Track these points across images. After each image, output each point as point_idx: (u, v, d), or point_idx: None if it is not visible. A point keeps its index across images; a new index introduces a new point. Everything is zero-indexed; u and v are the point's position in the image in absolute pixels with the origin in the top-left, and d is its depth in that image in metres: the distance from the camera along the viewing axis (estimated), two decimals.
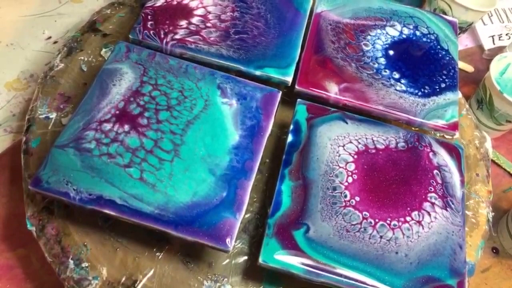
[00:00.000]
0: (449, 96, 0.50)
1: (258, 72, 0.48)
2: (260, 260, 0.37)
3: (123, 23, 0.57)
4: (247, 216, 0.44)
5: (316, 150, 0.44)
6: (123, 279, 0.40)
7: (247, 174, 0.40)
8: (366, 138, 0.45)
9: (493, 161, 0.61)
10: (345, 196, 0.41)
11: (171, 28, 0.50)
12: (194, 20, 0.51)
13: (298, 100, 0.47)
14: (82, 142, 0.40)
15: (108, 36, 0.55)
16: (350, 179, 0.42)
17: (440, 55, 0.54)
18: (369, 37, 0.54)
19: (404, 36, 0.55)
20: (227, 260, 0.42)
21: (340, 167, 0.43)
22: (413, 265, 0.39)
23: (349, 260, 0.38)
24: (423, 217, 0.41)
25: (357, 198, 0.41)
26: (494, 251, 0.54)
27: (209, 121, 0.43)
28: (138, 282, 0.40)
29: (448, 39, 0.56)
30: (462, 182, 0.44)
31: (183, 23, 0.51)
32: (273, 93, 0.46)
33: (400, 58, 0.53)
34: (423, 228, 0.41)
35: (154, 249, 0.42)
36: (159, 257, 0.41)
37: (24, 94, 0.57)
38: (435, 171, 0.44)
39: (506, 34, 0.74)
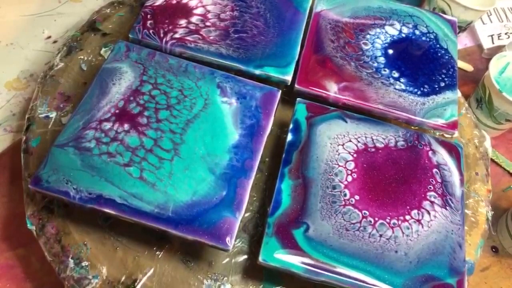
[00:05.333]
0: (449, 95, 0.50)
1: (257, 71, 0.48)
2: (260, 259, 0.38)
3: (122, 22, 0.57)
4: (247, 215, 0.44)
5: (315, 149, 0.44)
6: (123, 278, 0.40)
7: (247, 173, 0.41)
8: (366, 137, 0.45)
9: (492, 160, 0.61)
10: (345, 195, 0.41)
11: (170, 27, 0.50)
12: (194, 19, 0.51)
13: (298, 99, 0.47)
14: (82, 141, 0.40)
15: (107, 35, 0.55)
16: (349, 178, 0.42)
17: (439, 54, 0.54)
18: (368, 36, 0.54)
19: (403, 35, 0.55)
20: (227, 259, 0.42)
21: (339, 166, 0.43)
22: (413, 264, 0.39)
23: (349, 259, 0.38)
24: (422, 216, 0.41)
25: (357, 197, 0.41)
26: (494, 250, 0.54)
27: (209, 120, 0.43)
28: (138, 281, 0.40)
29: (447, 38, 0.56)
30: (462, 181, 0.44)
31: (183, 22, 0.51)
32: (272, 92, 0.46)
33: (400, 57, 0.53)
34: (422, 227, 0.41)
35: (154, 248, 0.42)
36: (159, 256, 0.41)
37: (24, 93, 0.57)
38: (435, 170, 0.44)
39: (505, 33, 0.74)
